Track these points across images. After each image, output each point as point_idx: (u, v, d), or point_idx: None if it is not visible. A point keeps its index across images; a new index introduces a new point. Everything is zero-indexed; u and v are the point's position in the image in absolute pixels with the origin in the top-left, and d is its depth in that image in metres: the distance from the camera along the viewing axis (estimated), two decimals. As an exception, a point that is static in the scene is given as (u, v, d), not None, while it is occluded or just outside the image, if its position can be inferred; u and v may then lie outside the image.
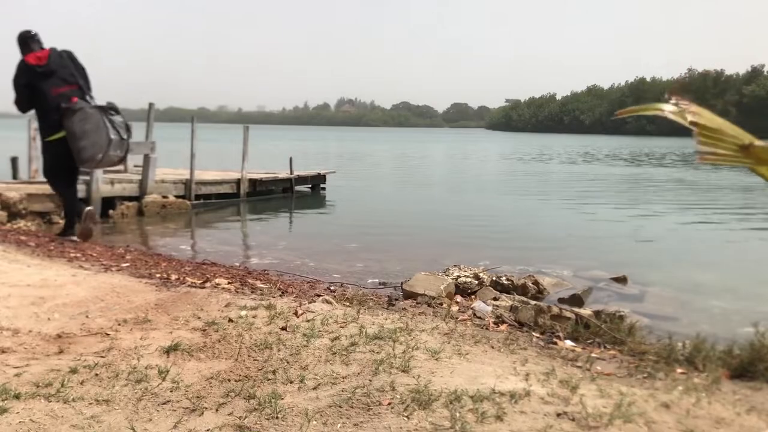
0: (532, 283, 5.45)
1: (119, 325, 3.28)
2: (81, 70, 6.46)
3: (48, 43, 6.38)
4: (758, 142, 1.10)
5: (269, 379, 2.52)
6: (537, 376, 2.58)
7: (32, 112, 6.56)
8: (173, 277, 4.75)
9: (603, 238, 8.85)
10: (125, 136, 6.45)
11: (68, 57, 6.38)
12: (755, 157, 1.10)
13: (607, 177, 20.57)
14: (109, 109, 6.39)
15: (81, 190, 9.10)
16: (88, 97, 6.33)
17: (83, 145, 6.15)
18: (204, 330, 3.18)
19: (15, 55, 6.23)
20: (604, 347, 3.30)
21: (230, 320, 3.33)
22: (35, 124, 10.28)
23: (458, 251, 7.29)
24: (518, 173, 22.44)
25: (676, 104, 1.20)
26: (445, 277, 5.14)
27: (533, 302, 4.36)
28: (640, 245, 8.36)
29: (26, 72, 6.13)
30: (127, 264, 5.30)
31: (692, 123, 1.17)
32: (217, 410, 2.23)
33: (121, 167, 11.46)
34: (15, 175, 10.41)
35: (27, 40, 6.25)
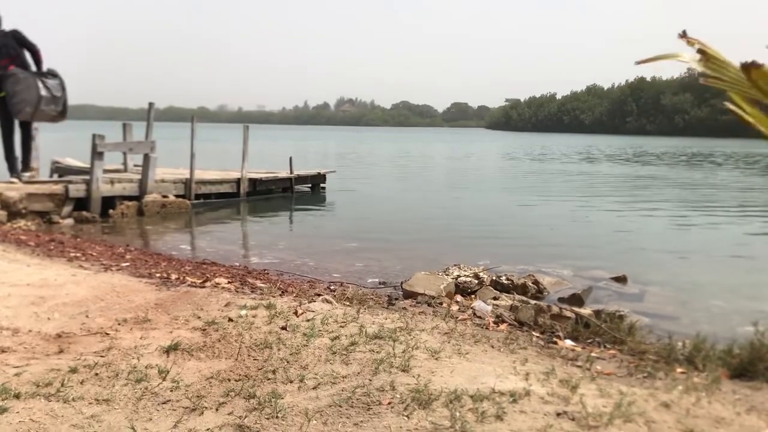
0: (532, 283, 5.45)
1: (119, 324, 3.28)
2: (29, 46, 8.08)
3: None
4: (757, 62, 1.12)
5: (269, 379, 2.52)
6: (537, 375, 2.58)
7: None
8: (173, 276, 4.75)
9: (603, 238, 8.85)
10: (58, 94, 8.14)
11: (12, 36, 7.99)
12: (755, 81, 1.12)
13: (607, 176, 20.58)
14: (46, 74, 8.12)
15: (81, 189, 9.14)
16: (29, 67, 8.02)
17: (14, 101, 7.91)
18: (204, 329, 3.18)
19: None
20: (604, 347, 3.30)
21: (230, 320, 3.33)
22: (35, 124, 10.30)
23: (458, 251, 7.29)
24: (518, 172, 22.44)
25: (689, 42, 1.23)
26: (445, 277, 5.14)
27: (533, 302, 4.36)
28: (639, 244, 8.36)
29: None
30: (127, 263, 5.30)
31: (699, 51, 1.20)
32: (217, 410, 2.23)
33: (120, 166, 11.51)
34: (12, 173, 10.39)
35: None
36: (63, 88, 8.26)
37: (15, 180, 8.47)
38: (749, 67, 1.12)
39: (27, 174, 8.84)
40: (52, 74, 8.24)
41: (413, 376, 2.50)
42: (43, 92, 7.98)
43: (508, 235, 9.03)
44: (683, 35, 1.24)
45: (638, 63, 1.35)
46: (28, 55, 8.23)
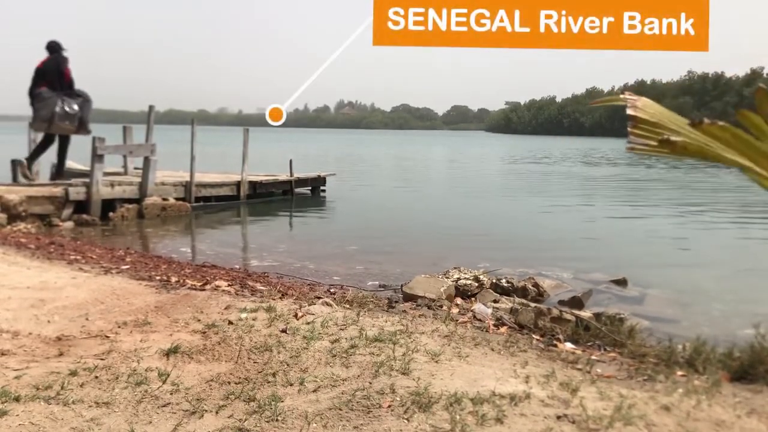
0: (532, 286, 5.45)
1: (119, 327, 3.28)
2: (60, 71, 9.49)
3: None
4: (676, 138, 1.21)
5: (269, 382, 2.52)
6: (537, 378, 2.57)
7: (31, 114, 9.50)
8: (173, 279, 4.75)
9: (603, 240, 8.85)
10: (72, 111, 9.38)
11: (54, 61, 9.46)
12: (678, 149, 1.22)
13: (607, 178, 20.58)
14: (72, 94, 9.50)
15: (81, 192, 9.14)
16: (55, 88, 9.39)
17: (35, 116, 9.44)
18: (204, 332, 3.18)
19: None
20: (605, 349, 3.30)
21: (230, 322, 3.33)
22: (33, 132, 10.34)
23: (458, 253, 7.28)
24: (518, 175, 22.46)
25: (625, 97, 1.34)
26: (445, 280, 5.14)
27: (533, 305, 4.36)
28: (640, 247, 8.36)
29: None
30: (127, 266, 5.30)
31: (630, 116, 1.29)
32: (217, 413, 2.23)
33: (120, 169, 11.51)
34: (15, 178, 10.39)
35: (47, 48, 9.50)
36: (82, 107, 9.48)
37: (22, 179, 9.69)
38: (668, 141, 1.22)
39: (28, 179, 9.81)
40: (78, 95, 9.58)
41: (413, 379, 2.50)
42: (58, 110, 9.27)
43: (508, 237, 9.03)
44: (623, 92, 1.36)
45: (593, 104, 1.52)
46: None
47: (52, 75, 9.39)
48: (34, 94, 9.36)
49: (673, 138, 1.22)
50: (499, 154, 39.45)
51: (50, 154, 10.07)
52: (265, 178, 12.60)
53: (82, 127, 9.66)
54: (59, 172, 10.18)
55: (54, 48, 9.49)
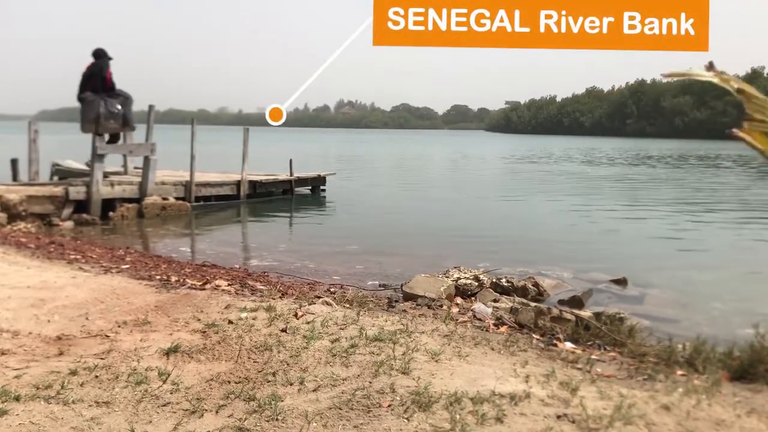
0: (532, 285, 5.45)
1: (119, 326, 3.28)
2: (101, 75, 10.17)
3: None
4: None
5: (269, 381, 2.52)
6: (537, 377, 2.58)
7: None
8: (173, 278, 4.75)
9: (603, 240, 8.85)
10: (115, 111, 9.99)
11: (97, 66, 10.20)
12: None
13: (607, 178, 20.58)
14: (114, 95, 10.13)
15: (81, 192, 9.15)
16: (97, 91, 10.06)
17: (83, 117, 9.93)
18: (204, 332, 3.18)
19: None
20: (605, 349, 3.30)
21: (230, 322, 3.33)
22: (35, 126, 10.34)
23: (458, 253, 7.28)
24: (518, 174, 22.46)
25: (719, 73, 1.23)
26: (445, 279, 5.14)
27: (533, 304, 4.36)
28: (640, 247, 8.36)
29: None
30: (127, 266, 5.30)
31: (739, 90, 1.19)
32: (217, 412, 2.23)
33: (120, 168, 11.51)
34: (15, 177, 10.41)
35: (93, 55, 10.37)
36: (124, 106, 10.16)
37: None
38: None
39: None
40: (119, 94, 10.30)
41: (413, 379, 2.50)
42: (102, 110, 9.96)
43: (509, 237, 9.03)
44: (710, 67, 1.24)
45: (665, 76, 1.36)
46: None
47: (96, 79, 10.17)
48: (80, 99, 10.15)
49: None
50: (499, 154, 39.44)
51: (50, 155, 10.08)
52: (265, 177, 12.60)
53: (126, 125, 10.38)
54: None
55: (98, 54, 10.39)
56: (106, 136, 10.09)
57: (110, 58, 10.49)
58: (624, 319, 3.98)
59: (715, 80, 1.23)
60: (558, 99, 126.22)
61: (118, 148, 10.65)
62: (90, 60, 10.28)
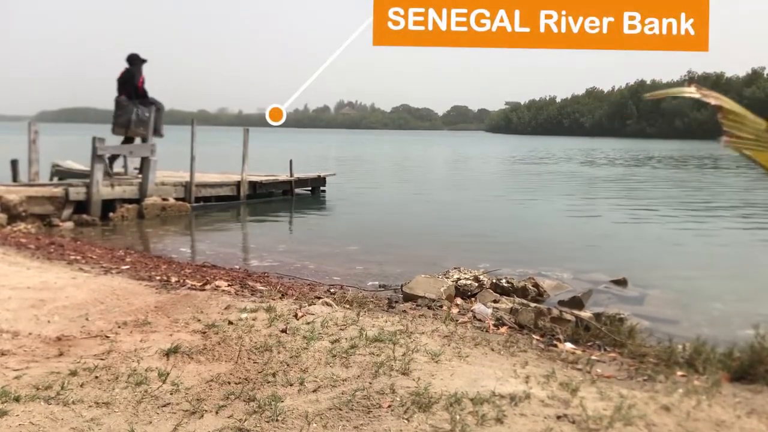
0: (532, 286, 5.45)
1: (119, 327, 3.28)
2: (133, 82, 10.70)
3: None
4: None
5: (269, 382, 2.52)
6: (537, 378, 2.57)
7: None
8: (173, 279, 4.75)
9: (603, 240, 8.84)
10: (144, 118, 10.56)
11: (129, 72, 10.69)
12: None
13: (607, 178, 20.58)
14: (146, 102, 10.75)
15: (81, 192, 9.15)
16: (130, 96, 10.66)
17: (115, 120, 10.71)
18: (204, 332, 3.18)
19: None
20: (605, 350, 3.30)
21: (230, 322, 3.33)
22: (35, 127, 10.35)
23: (458, 253, 7.28)
24: (518, 175, 22.46)
25: (699, 90, 1.24)
26: (445, 280, 5.14)
27: (533, 305, 4.36)
28: (640, 247, 8.36)
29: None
30: (127, 266, 5.30)
31: (716, 106, 1.19)
32: (217, 413, 2.23)
33: (121, 169, 11.52)
34: (15, 178, 10.40)
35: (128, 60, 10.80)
36: (153, 112, 10.70)
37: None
38: None
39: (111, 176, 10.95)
40: (151, 102, 10.86)
41: (413, 379, 2.50)
42: (134, 117, 10.56)
43: (509, 238, 9.03)
44: (691, 82, 1.27)
45: (648, 97, 1.38)
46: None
47: (129, 85, 10.69)
48: (116, 101, 10.77)
49: None
50: (499, 155, 39.44)
51: (50, 155, 10.09)
52: (265, 178, 12.59)
53: (155, 132, 10.91)
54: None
55: (132, 60, 10.83)
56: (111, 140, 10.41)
57: (144, 61, 10.94)
58: (624, 320, 3.98)
59: (697, 96, 1.24)
60: (558, 100, 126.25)
61: (118, 148, 10.66)
62: (124, 65, 10.77)
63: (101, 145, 9.46)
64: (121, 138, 10.84)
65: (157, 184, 10.19)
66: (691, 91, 1.25)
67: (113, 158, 10.85)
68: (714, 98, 1.19)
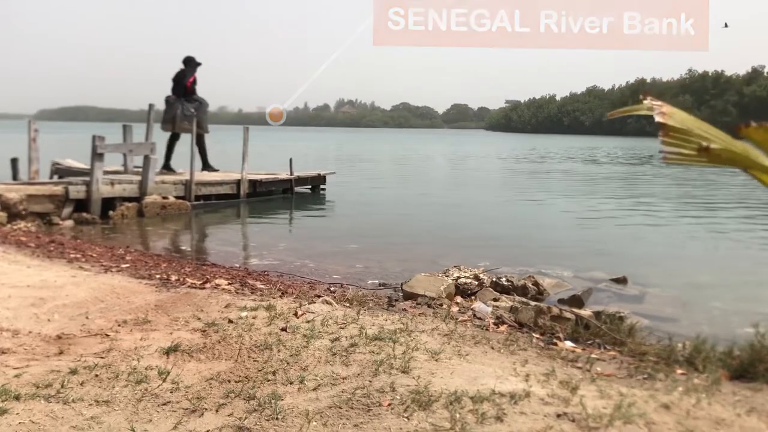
0: (532, 284, 5.45)
1: (119, 326, 3.28)
2: (180, 82, 11.77)
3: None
4: (714, 145, 1.16)
5: (269, 380, 2.52)
6: (537, 377, 2.58)
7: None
8: (173, 278, 4.75)
9: (603, 239, 8.84)
10: (189, 113, 11.62)
11: (181, 72, 11.86)
12: (714, 157, 1.16)
13: (608, 176, 20.58)
14: (191, 99, 11.83)
15: (81, 191, 9.15)
16: (179, 95, 11.77)
17: (163, 118, 11.71)
18: (204, 331, 3.18)
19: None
20: (604, 348, 3.30)
21: (230, 321, 3.33)
22: (35, 125, 10.35)
23: (458, 252, 7.28)
24: (518, 173, 22.45)
25: (650, 104, 1.27)
26: (445, 278, 5.14)
27: (533, 303, 4.36)
28: (639, 246, 8.36)
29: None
30: (127, 265, 5.30)
31: (659, 123, 1.22)
32: (217, 411, 2.23)
33: (120, 167, 11.52)
34: (15, 176, 10.41)
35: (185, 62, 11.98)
36: (198, 110, 11.77)
37: (164, 172, 11.61)
38: (706, 149, 1.16)
39: (215, 171, 12.29)
40: (195, 99, 11.92)
41: (413, 378, 2.50)
42: (179, 112, 11.56)
43: (508, 236, 9.03)
44: (644, 97, 1.29)
45: (610, 116, 1.41)
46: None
47: (179, 84, 11.73)
48: (165, 99, 11.75)
49: (712, 145, 1.15)
50: (500, 153, 39.43)
51: (50, 154, 10.08)
52: (265, 176, 12.59)
53: (199, 127, 11.70)
54: (206, 165, 12.30)
55: (187, 62, 11.95)
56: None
57: (199, 64, 12.06)
58: (624, 318, 3.98)
59: (649, 112, 1.27)
60: (558, 98, 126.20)
61: (118, 147, 10.65)
62: (180, 66, 11.95)
63: (101, 144, 9.45)
64: (168, 134, 11.78)
65: (157, 182, 10.18)
66: (648, 106, 1.28)
67: (168, 157, 11.88)
68: (660, 114, 1.22)
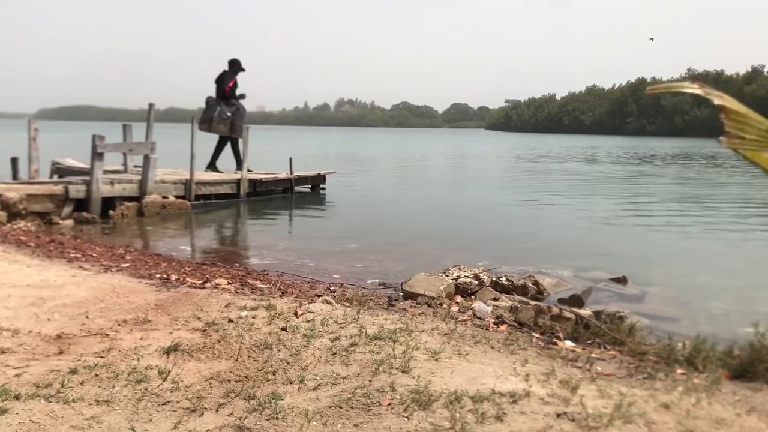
0: (532, 284, 5.45)
1: (119, 325, 3.28)
2: (221, 83, 12.18)
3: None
4: None
5: (269, 380, 2.52)
6: (537, 376, 2.58)
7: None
8: (173, 277, 4.75)
9: (603, 238, 8.84)
10: (225, 116, 11.98)
11: (222, 75, 12.26)
12: None
13: (608, 176, 20.58)
14: (227, 103, 12.08)
15: (81, 190, 9.15)
16: (219, 97, 12.16)
17: (201, 118, 11.90)
18: (204, 330, 3.18)
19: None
20: (604, 347, 3.30)
21: (230, 321, 3.33)
22: (35, 125, 10.35)
23: (458, 251, 7.28)
24: (518, 173, 22.44)
25: (702, 87, 1.22)
26: (445, 278, 5.14)
27: (533, 303, 4.36)
28: (640, 245, 8.35)
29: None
30: (127, 264, 5.30)
31: (719, 106, 1.17)
32: (217, 411, 2.23)
33: (120, 167, 11.52)
34: (15, 176, 10.40)
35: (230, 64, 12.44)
36: (234, 114, 12.07)
37: (209, 171, 12.23)
38: None
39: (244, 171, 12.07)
40: (233, 104, 12.16)
41: (413, 377, 2.50)
42: (216, 114, 11.91)
43: (508, 236, 9.03)
44: (695, 79, 1.24)
45: (649, 92, 1.35)
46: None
47: (219, 87, 12.12)
48: (206, 100, 12.15)
49: None
50: (500, 152, 39.42)
51: (50, 153, 10.08)
52: (265, 176, 12.59)
53: (233, 130, 12.14)
54: (240, 165, 12.25)
55: (230, 65, 12.35)
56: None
57: (243, 69, 12.41)
58: (624, 318, 3.98)
59: (700, 92, 1.22)
60: (558, 97, 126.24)
61: (118, 146, 10.65)
62: (224, 68, 12.34)
63: (101, 143, 9.45)
64: (203, 133, 11.89)
65: (157, 182, 10.18)
66: (694, 88, 1.23)
67: (215, 158, 12.25)
68: (717, 97, 1.17)
